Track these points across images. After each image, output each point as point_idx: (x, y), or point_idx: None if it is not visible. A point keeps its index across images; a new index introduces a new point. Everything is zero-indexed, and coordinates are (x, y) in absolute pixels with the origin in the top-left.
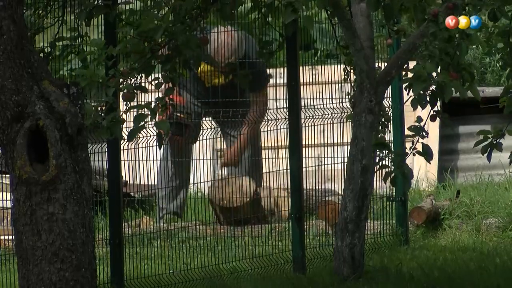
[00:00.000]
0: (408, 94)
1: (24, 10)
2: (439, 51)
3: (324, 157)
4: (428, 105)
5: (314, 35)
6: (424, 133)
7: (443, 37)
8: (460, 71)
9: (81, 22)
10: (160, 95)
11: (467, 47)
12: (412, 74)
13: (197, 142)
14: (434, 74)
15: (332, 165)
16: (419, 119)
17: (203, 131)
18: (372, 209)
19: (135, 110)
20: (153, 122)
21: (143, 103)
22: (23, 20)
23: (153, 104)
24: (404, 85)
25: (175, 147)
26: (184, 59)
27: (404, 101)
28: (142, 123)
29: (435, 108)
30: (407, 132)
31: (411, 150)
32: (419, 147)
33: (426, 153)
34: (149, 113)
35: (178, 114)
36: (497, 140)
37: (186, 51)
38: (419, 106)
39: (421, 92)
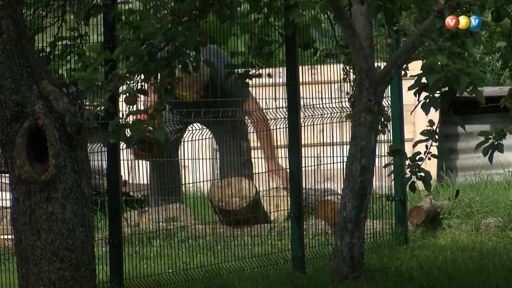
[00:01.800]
0: (418, 100)
1: (24, 10)
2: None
3: (324, 157)
4: (432, 108)
5: (313, 34)
6: (436, 137)
7: (448, 33)
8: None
9: (80, 21)
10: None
11: (473, 44)
12: (417, 72)
13: (196, 142)
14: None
15: (332, 164)
16: (431, 122)
17: (201, 131)
18: (371, 208)
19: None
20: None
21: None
22: (23, 19)
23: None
24: (413, 91)
25: (156, 164)
26: (183, 63)
27: (414, 107)
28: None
29: (443, 110)
30: (419, 137)
31: (426, 154)
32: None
33: (442, 154)
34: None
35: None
36: (498, 141)
37: (184, 54)
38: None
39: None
